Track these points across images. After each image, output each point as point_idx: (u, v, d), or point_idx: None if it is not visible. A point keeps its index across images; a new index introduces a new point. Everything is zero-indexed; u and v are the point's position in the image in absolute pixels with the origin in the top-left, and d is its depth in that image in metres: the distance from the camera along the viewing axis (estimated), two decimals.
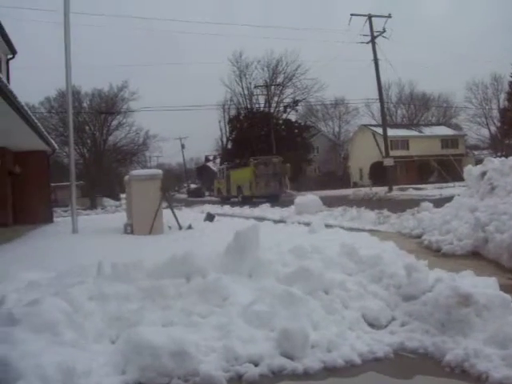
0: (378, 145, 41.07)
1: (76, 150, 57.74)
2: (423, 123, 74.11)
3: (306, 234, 8.82)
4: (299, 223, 13.42)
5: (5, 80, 11.25)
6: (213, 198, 61.02)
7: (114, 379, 2.94)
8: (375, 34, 36.60)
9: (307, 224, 11.44)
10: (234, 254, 4.31)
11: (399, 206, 19.53)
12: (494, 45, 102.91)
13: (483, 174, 8.42)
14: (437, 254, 7.26)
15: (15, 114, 13.12)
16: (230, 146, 68.76)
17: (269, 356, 3.31)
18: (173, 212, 12.43)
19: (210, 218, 14.10)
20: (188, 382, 3.13)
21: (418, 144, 61.44)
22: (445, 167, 56.00)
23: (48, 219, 20.83)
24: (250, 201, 35.53)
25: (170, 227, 12.35)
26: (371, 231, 10.90)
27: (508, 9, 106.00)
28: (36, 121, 16.44)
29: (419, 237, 8.82)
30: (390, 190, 35.84)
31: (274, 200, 34.35)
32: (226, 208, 24.87)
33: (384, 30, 36.32)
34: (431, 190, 35.05)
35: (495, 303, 3.46)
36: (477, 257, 6.84)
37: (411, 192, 33.16)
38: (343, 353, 3.41)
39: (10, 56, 21.40)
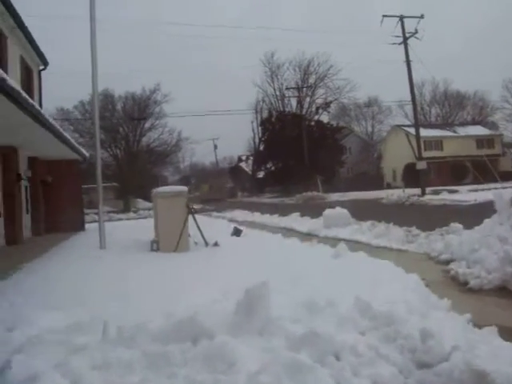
0: (411, 146, 40.44)
1: (109, 152, 58.59)
2: (458, 122, 72.76)
3: (329, 260, 8.64)
4: (327, 237, 13.42)
5: (35, 105, 11.47)
6: (245, 199, 61.39)
7: None
8: (407, 35, 36.06)
9: (335, 239, 11.58)
10: (243, 313, 4.17)
11: (431, 216, 19.25)
12: None
13: None
14: (463, 287, 7.04)
15: (44, 131, 13.35)
16: (262, 148, 68.70)
17: None
18: (199, 228, 12.37)
19: (237, 232, 14.04)
20: None
21: (452, 144, 60.44)
22: (480, 168, 55.00)
23: (79, 227, 21.11)
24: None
25: (196, 243, 12.31)
26: (398, 251, 10.74)
27: None
28: (64, 134, 16.63)
29: (447, 262, 8.60)
30: (423, 193, 35.35)
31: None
32: (256, 215, 24.80)
33: (416, 31, 35.78)
34: (465, 193, 34.41)
35: None
36: (504, 292, 6.58)
37: (444, 196, 32.61)
38: None
39: (41, 67, 21.77)
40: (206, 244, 12.18)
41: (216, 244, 12.04)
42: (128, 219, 33.09)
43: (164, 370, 3.59)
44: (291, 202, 44.38)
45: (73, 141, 18.89)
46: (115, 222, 28.57)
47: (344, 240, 12.84)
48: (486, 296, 6.55)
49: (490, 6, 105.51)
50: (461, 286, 7.15)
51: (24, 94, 10.48)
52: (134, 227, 20.85)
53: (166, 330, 4.02)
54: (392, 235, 12.14)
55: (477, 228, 9.26)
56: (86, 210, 42.00)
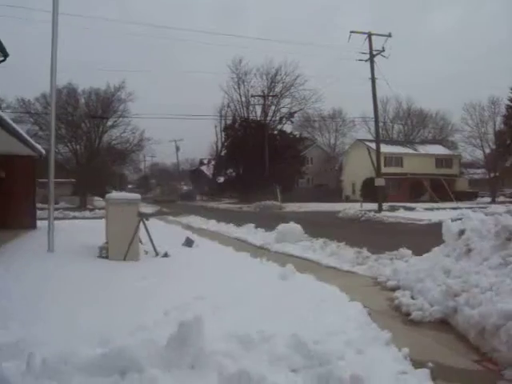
0: (372, 161, 40.97)
1: (69, 147, 57.58)
2: (419, 140, 74.33)
3: (276, 281, 8.59)
4: (278, 253, 13.59)
5: None
6: (203, 204, 61.20)
7: None
8: (374, 52, 36.49)
9: (286, 255, 12.74)
10: (175, 346, 4.04)
11: (385, 235, 19.46)
12: (493, 67, 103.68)
13: (461, 232, 8.18)
14: (405, 318, 7.04)
15: None
16: (224, 153, 68.68)
17: None
18: (150, 238, 12.20)
19: (188, 243, 13.89)
20: None
21: (412, 162, 61.62)
22: (437, 187, 55.99)
23: (31, 225, 20.60)
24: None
25: (146, 252, 12.15)
26: (347, 273, 10.77)
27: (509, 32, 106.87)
28: (19, 130, 16.27)
29: (393, 289, 8.61)
30: (380, 209, 35.74)
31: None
32: (212, 223, 24.64)
33: (383, 49, 36.27)
34: (421, 211, 34.99)
35: None
36: (446, 327, 6.59)
37: (400, 213, 33.06)
38: None
39: (0, 59, 21.18)
40: (156, 254, 12.03)
41: (166, 255, 11.91)
42: (83, 218, 32.42)
43: None
44: (249, 210, 44.39)
45: (27, 136, 18.51)
46: (68, 221, 28.06)
47: (295, 257, 12.90)
48: (427, 329, 6.54)
49: (455, 32, 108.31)
50: (403, 316, 7.13)
51: None
52: (88, 228, 20.45)
53: (93, 361, 3.87)
54: (342, 255, 12.16)
55: (425, 255, 9.34)
56: (43, 205, 40.99)
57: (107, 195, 12.66)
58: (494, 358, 5.37)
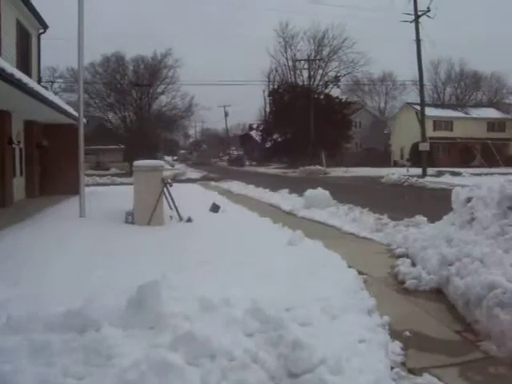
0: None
1: (118, 114, 58.69)
2: (472, 104, 71.96)
3: (282, 246, 8.72)
4: (304, 218, 14.06)
5: (16, 73, 11.56)
6: (250, 169, 61.44)
7: None
8: (419, 13, 35.48)
9: (310, 220, 12.43)
10: (134, 308, 4.29)
11: (419, 201, 19.27)
12: None
13: (468, 200, 8.07)
14: (400, 286, 7.06)
15: (30, 98, 13.55)
16: (270, 118, 68.44)
17: None
18: (173, 203, 12.51)
19: (214, 209, 14.14)
20: None
21: (463, 126, 59.87)
22: (488, 151, 54.58)
23: (75, 191, 21.09)
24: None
25: (171, 217, 12.48)
26: (363, 239, 10.82)
27: None
28: (56, 102, 16.80)
29: (400, 257, 8.60)
30: (424, 174, 35.22)
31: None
32: (250, 188, 24.88)
33: (428, 10, 35.16)
34: (467, 177, 34.20)
35: None
36: (439, 296, 6.52)
37: (445, 179, 32.50)
38: None
39: (41, 31, 21.76)
40: (180, 219, 12.33)
41: (189, 220, 12.18)
42: (129, 184, 32.99)
43: (44, 359, 3.72)
44: (293, 175, 44.44)
45: (67, 107, 19.02)
46: (113, 187, 28.80)
47: (318, 222, 13.04)
48: (419, 298, 6.51)
49: None
50: (398, 284, 7.16)
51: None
52: (127, 193, 20.93)
53: (56, 319, 4.15)
54: (363, 222, 12.18)
55: (437, 223, 9.28)
56: (91, 172, 42.02)
57: (134, 162, 12.96)
58: (476, 330, 5.33)
